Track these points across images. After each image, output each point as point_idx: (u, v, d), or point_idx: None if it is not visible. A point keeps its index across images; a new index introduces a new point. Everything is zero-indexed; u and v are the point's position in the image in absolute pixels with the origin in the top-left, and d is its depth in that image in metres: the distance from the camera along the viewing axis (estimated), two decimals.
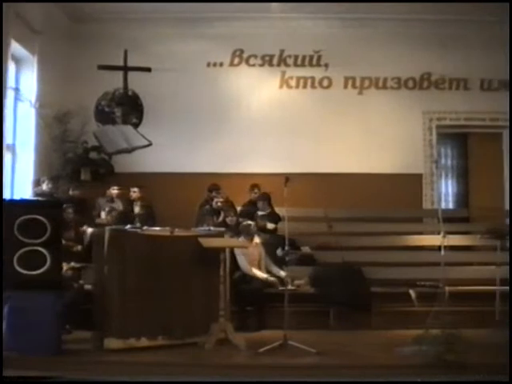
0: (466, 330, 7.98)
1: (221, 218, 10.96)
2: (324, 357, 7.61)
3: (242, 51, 13.33)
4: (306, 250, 11.13)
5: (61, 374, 6.24)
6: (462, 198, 14.03)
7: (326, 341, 8.40)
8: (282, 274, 9.53)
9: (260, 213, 11.12)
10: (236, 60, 13.37)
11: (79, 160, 12.47)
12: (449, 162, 14.15)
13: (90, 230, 10.27)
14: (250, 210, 11.41)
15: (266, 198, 11.54)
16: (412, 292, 10.04)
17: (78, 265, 9.03)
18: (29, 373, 5.33)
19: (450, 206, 14.12)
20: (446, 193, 14.07)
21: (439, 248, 8.87)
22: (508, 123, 12.97)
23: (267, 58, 13.40)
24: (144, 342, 7.86)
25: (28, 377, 3.73)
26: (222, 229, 9.37)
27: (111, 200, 11.57)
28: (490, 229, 10.62)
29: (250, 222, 10.22)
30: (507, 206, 13.64)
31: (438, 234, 9.11)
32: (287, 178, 8.45)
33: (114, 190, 11.68)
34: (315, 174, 12.88)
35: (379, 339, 8.79)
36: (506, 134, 13.74)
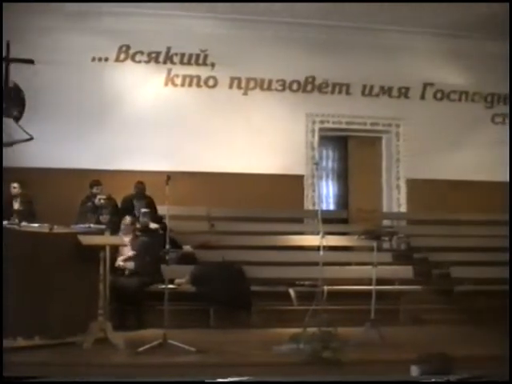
0: (342, 328, 8.23)
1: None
2: (203, 355, 7.66)
3: (128, 47, 13.15)
4: (187, 248, 11.14)
5: None
6: (342, 200, 14.37)
7: (206, 339, 8.45)
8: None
9: (143, 210, 11.05)
10: (122, 56, 13.17)
11: None
12: (330, 164, 14.49)
13: None
14: (130, 207, 11.32)
15: (145, 195, 11.50)
16: (291, 291, 10.23)
17: None
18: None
19: (331, 207, 14.45)
20: (326, 194, 14.38)
21: (319, 248, 9.08)
22: (397, 128, 13.55)
23: (153, 55, 13.27)
24: (20, 342, 7.67)
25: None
26: (103, 226, 9.26)
27: None
28: (366, 230, 10.95)
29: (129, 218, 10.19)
30: (385, 208, 14.12)
31: (318, 234, 9.31)
32: (169, 176, 8.47)
33: None
34: (199, 172, 12.87)
35: (259, 337, 8.91)
36: (385, 138, 14.20)
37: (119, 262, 9.64)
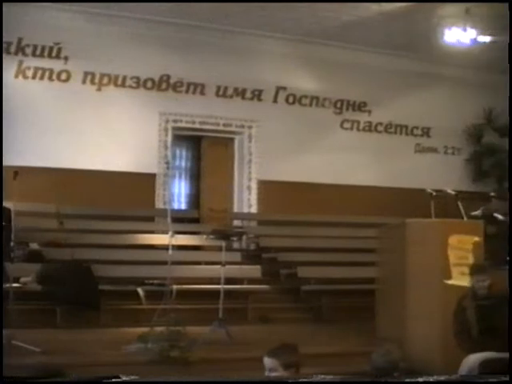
0: (190, 327, 8.31)
1: None
2: (49, 356, 7.51)
3: None
4: (34, 246, 10.87)
5: None
6: (194, 199, 14.43)
7: (53, 339, 8.32)
8: None
9: None
10: None
11: None
12: (183, 164, 14.52)
13: None
14: None
15: None
16: (140, 290, 10.21)
17: None
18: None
19: (183, 206, 14.49)
20: (178, 193, 14.41)
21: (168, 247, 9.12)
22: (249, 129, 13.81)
23: (4, 46, 12.79)
24: None
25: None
26: None
27: None
28: (216, 229, 11.11)
29: None
30: (236, 209, 14.31)
31: (168, 233, 9.34)
32: (16, 171, 8.28)
33: None
34: (49, 168, 12.55)
35: (107, 337, 8.89)
36: (237, 139, 14.38)
37: None
